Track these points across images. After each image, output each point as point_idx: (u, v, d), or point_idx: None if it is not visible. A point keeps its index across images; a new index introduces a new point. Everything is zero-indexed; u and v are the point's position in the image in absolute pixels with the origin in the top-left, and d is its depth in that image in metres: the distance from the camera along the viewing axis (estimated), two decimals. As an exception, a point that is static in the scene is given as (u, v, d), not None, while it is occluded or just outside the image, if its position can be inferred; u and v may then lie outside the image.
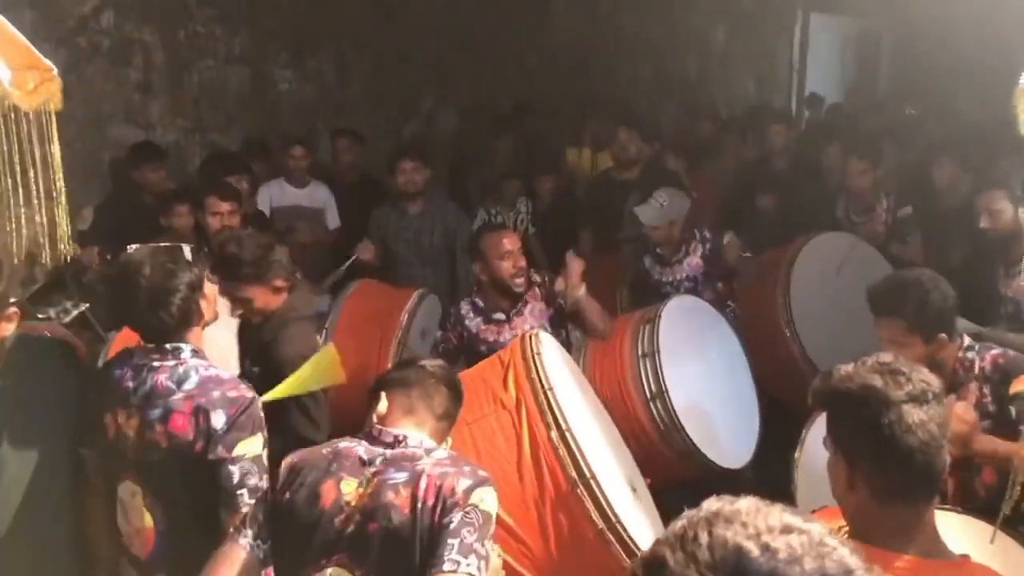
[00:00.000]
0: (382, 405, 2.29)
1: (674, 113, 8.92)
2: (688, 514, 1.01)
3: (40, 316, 4.52)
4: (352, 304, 4.54)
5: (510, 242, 4.02)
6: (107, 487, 2.56)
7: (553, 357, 3.16)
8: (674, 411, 3.84)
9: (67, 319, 4.60)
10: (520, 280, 4.01)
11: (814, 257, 4.92)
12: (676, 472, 3.89)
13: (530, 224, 6.13)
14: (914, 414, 1.69)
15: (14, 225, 2.52)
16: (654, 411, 3.85)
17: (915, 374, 1.75)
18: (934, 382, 1.77)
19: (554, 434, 2.75)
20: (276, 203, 5.70)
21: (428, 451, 2.18)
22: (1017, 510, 2.43)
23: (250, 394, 2.48)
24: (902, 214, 5.26)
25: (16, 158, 2.42)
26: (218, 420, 2.39)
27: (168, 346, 2.52)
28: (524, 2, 8.33)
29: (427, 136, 7.59)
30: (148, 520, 2.49)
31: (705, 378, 4.27)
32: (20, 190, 2.42)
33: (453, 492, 2.04)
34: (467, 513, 2.02)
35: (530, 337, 3.09)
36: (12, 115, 2.37)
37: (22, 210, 2.47)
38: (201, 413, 2.40)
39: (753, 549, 0.94)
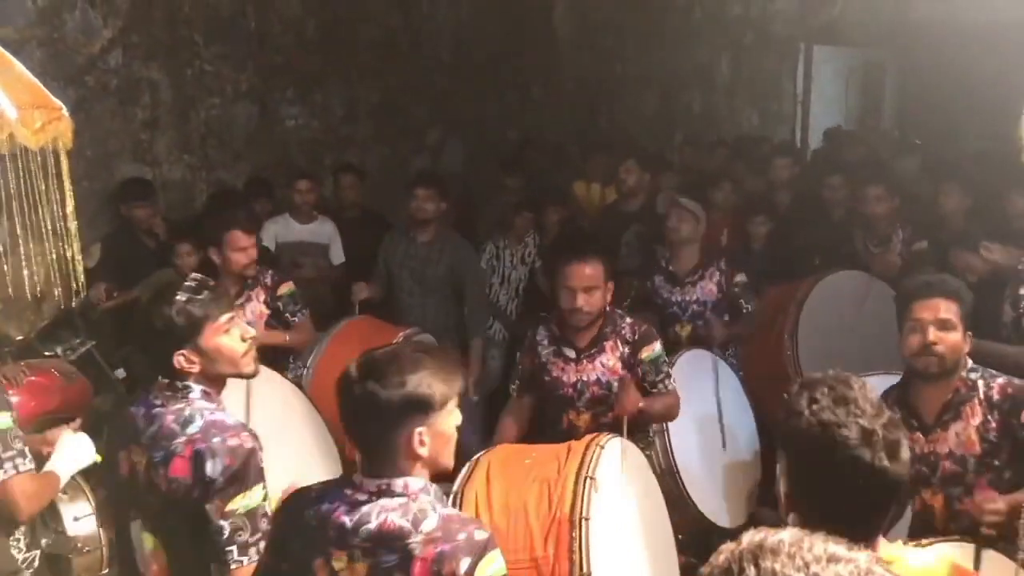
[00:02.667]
0: None
1: (679, 146, 8.93)
2: (728, 547, 1.00)
3: (47, 353, 4.51)
4: (337, 341, 4.57)
5: (580, 277, 3.59)
6: (119, 524, 2.53)
7: (609, 477, 3.02)
8: (684, 486, 3.94)
9: (74, 356, 4.59)
10: (579, 319, 3.65)
11: (823, 299, 4.88)
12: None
13: (537, 257, 6.12)
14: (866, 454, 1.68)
15: (24, 262, 2.52)
16: (663, 489, 3.84)
17: (859, 407, 1.72)
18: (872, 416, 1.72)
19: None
20: (281, 239, 5.70)
21: (416, 522, 1.96)
22: None
23: (250, 444, 2.38)
24: (917, 248, 5.23)
25: (27, 196, 2.42)
26: (214, 469, 2.31)
27: (179, 383, 2.47)
28: (530, 38, 8.39)
29: (435, 171, 7.59)
30: (163, 560, 2.48)
31: (711, 443, 4.34)
32: (30, 228, 2.41)
33: (454, 575, 1.91)
34: None
35: (586, 479, 2.85)
36: (21, 153, 2.37)
37: (32, 247, 2.46)
38: (199, 458, 2.33)
39: None
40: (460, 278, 5.33)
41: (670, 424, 3.96)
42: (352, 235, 5.86)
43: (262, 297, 4.43)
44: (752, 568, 0.95)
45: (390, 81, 7.37)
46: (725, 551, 1.00)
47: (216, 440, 2.34)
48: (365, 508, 2.00)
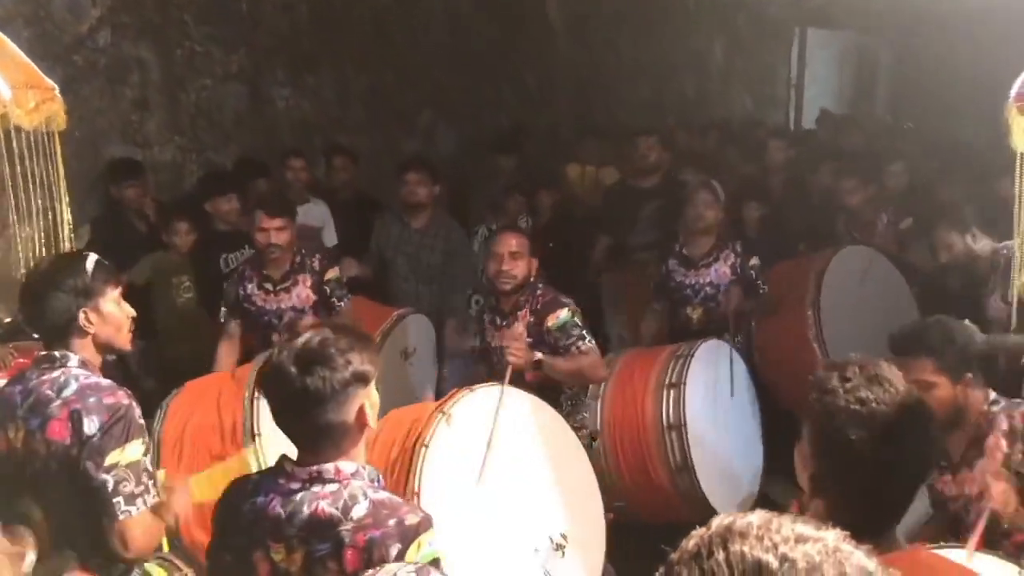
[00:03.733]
0: None
1: (671, 129, 8.90)
2: (698, 532, 1.00)
3: (36, 336, 4.46)
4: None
5: (506, 244, 3.92)
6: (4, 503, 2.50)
7: (475, 418, 3.11)
8: (698, 483, 4.01)
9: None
10: (503, 282, 3.91)
11: (840, 270, 4.96)
12: (673, 511, 4.03)
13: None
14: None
15: (14, 244, 2.50)
16: (679, 483, 4.04)
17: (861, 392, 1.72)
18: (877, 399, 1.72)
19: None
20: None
21: (346, 509, 1.95)
22: None
23: (126, 401, 2.44)
24: (904, 226, 5.25)
25: (19, 177, 2.39)
26: (91, 426, 2.36)
27: (57, 353, 2.52)
28: (524, 24, 8.34)
29: (427, 155, 7.56)
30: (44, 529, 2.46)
31: (726, 431, 4.38)
32: (20, 208, 2.39)
33: (384, 562, 1.89)
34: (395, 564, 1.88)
35: (440, 413, 3.01)
36: (14, 133, 2.34)
37: (21, 228, 2.43)
38: (76, 418, 2.38)
39: (772, 562, 0.93)
40: (452, 264, 5.31)
41: (688, 421, 4.05)
42: (345, 217, 5.81)
43: (308, 282, 4.40)
44: (721, 551, 0.95)
45: (382, 64, 7.31)
46: (695, 536, 0.99)
47: (92, 399, 2.41)
48: (298, 497, 1.99)
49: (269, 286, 4.37)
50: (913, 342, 2.86)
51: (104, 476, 2.35)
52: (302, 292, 4.37)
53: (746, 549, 0.94)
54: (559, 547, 3.13)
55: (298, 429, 2.05)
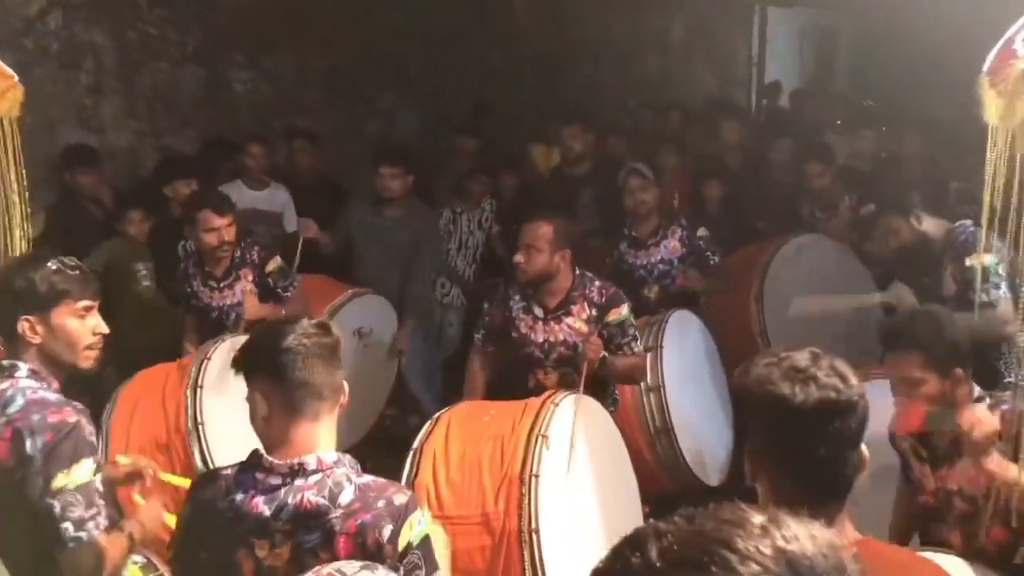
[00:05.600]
0: (260, 407, 2.04)
1: (633, 110, 8.89)
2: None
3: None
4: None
5: (525, 235, 3.77)
6: None
7: (562, 433, 3.07)
8: (678, 445, 4.06)
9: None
10: (518, 274, 3.79)
11: (787, 262, 5.00)
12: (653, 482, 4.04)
13: (494, 223, 6.07)
14: (818, 423, 1.62)
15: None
16: (659, 447, 4.09)
17: (827, 379, 1.64)
18: (844, 384, 1.65)
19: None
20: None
21: (333, 497, 1.95)
22: None
23: (73, 418, 2.26)
24: (865, 211, 5.28)
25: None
26: (33, 447, 2.20)
27: (5, 363, 2.36)
28: (486, 3, 8.27)
29: (389, 137, 7.50)
30: None
31: (699, 397, 4.46)
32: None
33: (378, 544, 1.90)
34: (406, 561, 1.91)
35: (538, 437, 2.93)
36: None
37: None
38: (17, 437, 2.21)
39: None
40: (421, 250, 5.28)
41: (667, 382, 4.09)
42: (307, 202, 5.73)
43: (250, 276, 4.36)
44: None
45: (343, 45, 7.22)
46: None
47: (36, 417, 2.24)
48: (282, 492, 1.97)
49: (213, 283, 4.35)
50: (901, 335, 2.78)
51: (49, 501, 2.18)
52: (244, 286, 4.33)
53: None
54: None
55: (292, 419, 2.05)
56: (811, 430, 1.63)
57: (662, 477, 4.09)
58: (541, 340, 3.81)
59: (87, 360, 2.45)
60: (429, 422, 3.14)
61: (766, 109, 10.37)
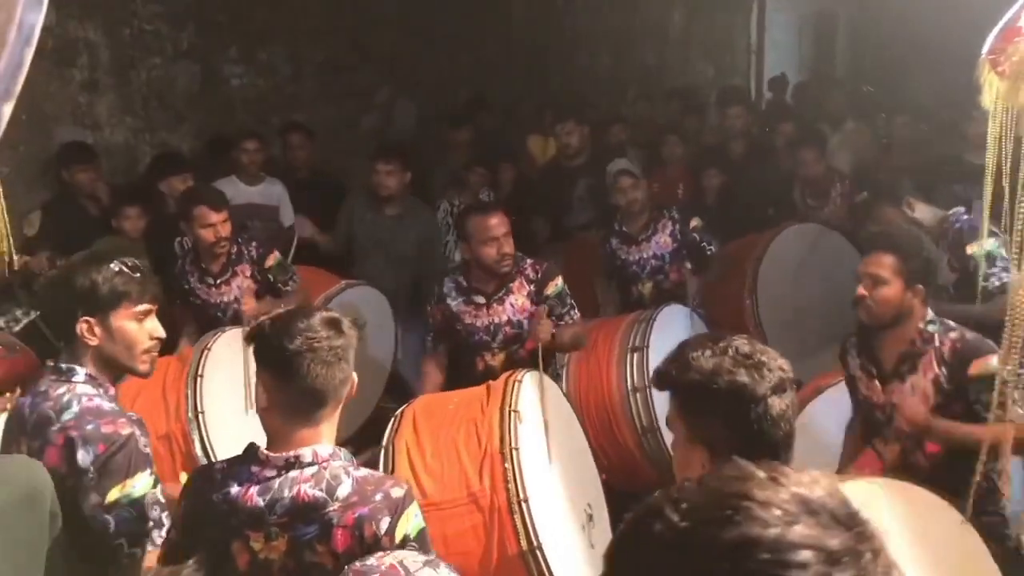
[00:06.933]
0: (261, 399, 2.03)
1: (632, 100, 8.88)
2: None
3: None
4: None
5: (497, 225, 3.81)
6: None
7: (530, 408, 3.13)
8: (664, 444, 3.96)
9: (17, 328, 4.48)
10: (506, 264, 3.84)
11: (781, 254, 4.96)
12: (641, 478, 4.07)
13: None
14: (777, 405, 1.73)
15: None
16: (646, 445, 4.06)
17: (773, 362, 1.76)
18: (788, 368, 1.79)
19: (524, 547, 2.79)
20: (229, 201, 5.56)
21: (331, 490, 1.94)
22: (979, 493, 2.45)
23: (127, 430, 2.23)
24: (858, 199, 5.27)
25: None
26: (85, 458, 2.17)
27: (63, 366, 2.33)
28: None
29: (386, 131, 7.50)
30: None
31: None
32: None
33: (376, 537, 1.90)
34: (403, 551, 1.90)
35: (511, 412, 2.98)
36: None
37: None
38: (70, 446, 2.18)
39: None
40: (428, 251, 5.31)
41: (651, 383, 4.09)
42: (303, 196, 5.73)
43: (248, 272, 4.35)
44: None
45: (338, 38, 7.21)
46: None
47: (90, 427, 2.21)
48: (276, 484, 1.96)
49: (210, 280, 4.34)
50: (884, 238, 3.03)
51: (105, 517, 2.16)
52: (243, 283, 4.33)
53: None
54: (590, 517, 3.21)
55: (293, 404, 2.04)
56: (770, 413, 1.72)
57: (651, 472, 4.10)
58: (486, 324, 3.89)
59: (144, 364, 2.43)
60: (392, 419, 3.15)
61: (769, 100, 10.34)
